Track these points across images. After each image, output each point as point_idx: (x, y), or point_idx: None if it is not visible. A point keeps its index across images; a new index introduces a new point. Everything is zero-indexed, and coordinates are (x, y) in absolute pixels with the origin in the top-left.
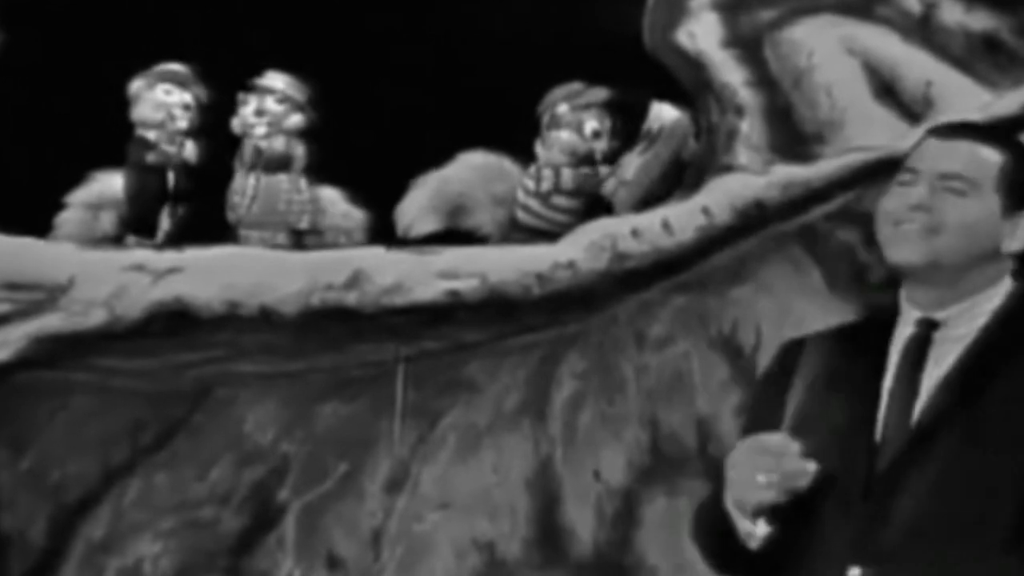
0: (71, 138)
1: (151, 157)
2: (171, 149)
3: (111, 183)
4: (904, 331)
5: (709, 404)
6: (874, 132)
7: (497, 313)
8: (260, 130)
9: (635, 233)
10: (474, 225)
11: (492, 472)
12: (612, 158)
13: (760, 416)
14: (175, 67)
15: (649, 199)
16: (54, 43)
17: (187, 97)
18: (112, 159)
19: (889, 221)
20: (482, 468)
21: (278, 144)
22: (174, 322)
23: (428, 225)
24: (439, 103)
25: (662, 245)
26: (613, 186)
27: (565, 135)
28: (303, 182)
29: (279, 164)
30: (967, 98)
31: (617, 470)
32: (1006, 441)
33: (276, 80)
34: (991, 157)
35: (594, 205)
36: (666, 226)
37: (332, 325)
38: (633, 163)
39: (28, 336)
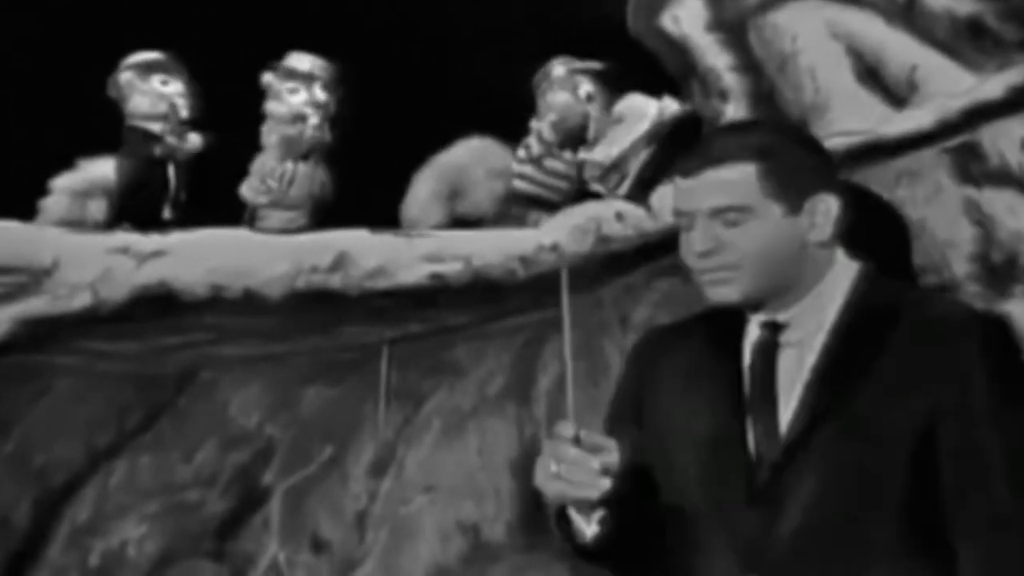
0: (54, 123)
1: (158, 150)
2: (175, 141)
3: (98, 170)
4: (752, 333)
5: None
6: (858, 116)
7: (481, 296)
8: (314, 120)
9: (619, 216)
10: (473, 205)
11: (477, 455)
12: (602, 128)
13: (619, 414)
14: (158, 56)
15: (643, 185)
16: (36, 27)
17: (182, 86)
18: (96, 146)
19: (694, 271)
20: (467, 451)
21: (318, 130)
22: (159, 305)
23: (434, 216)
24: (425, 95)
25: (646, 229)
26: (615, 179)
27: (560, 96)
28: (322, 167)
29: (313, 150)
30: (951, 82)
31: None
32: (881, 439)
33: (316, 65)
34: (745, 174)
35: (574, 183)
36: (650, 210)
37: (317, 308)
38: (635, 157)
39: (12, 319)
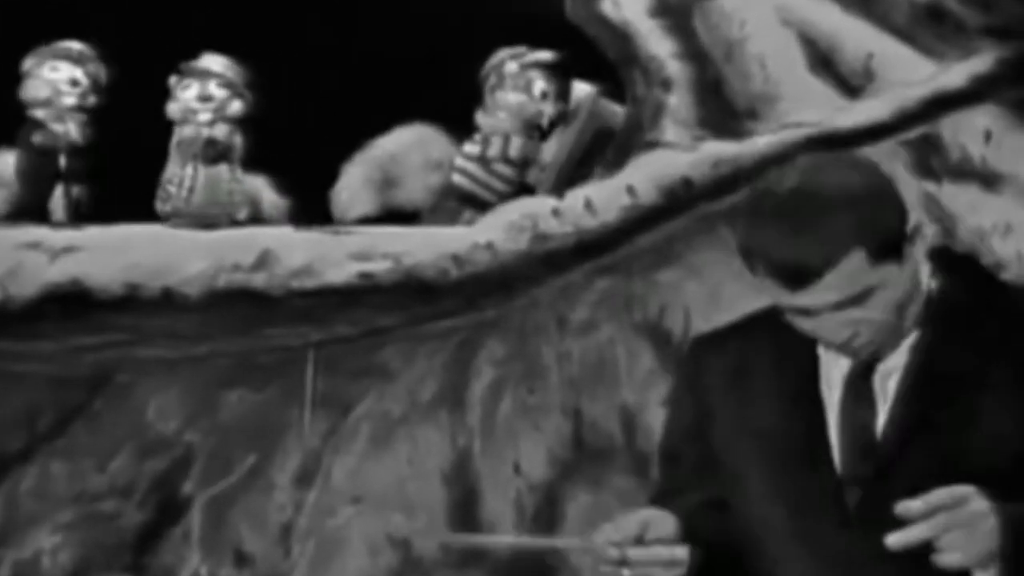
0: None
1: (38, 137)
2: (59, 128)
3: (1, 161)
4: None
5: (635, 393)
6: (810, 107)
7: (412, 297)
8: (204, 117)
9: (556, 213)
10: (406, 196)
11: (407, 464)
12: (556, 123)
13: (684, 432)
14: (71, 44)
15: (569, 181)
16: None
17: (77, 73)
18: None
19: (842, 351)
20: (397, 460)
21: (221, 132)
22: (71, 304)
23: (364, 205)
24: (358, 81)
25: (585, 226)
26: (535, 174)
27: (512, 96)
28: (240, 172)
29: (221, 154)
30: (910, 70)
31: (538, 463)
32: (983, 449)
33: (215, 63)
34: (854, 265)
35: (517, 191)
36: (589, 206)
37: (239, 308)
38: (550, 145)
39: None
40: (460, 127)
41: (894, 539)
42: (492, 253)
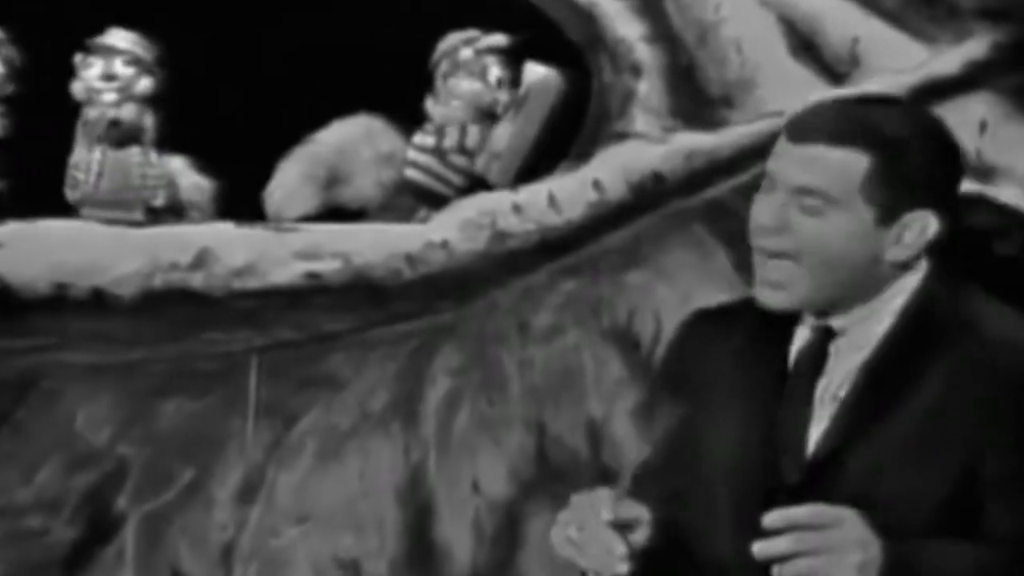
0: None
1: None
2: None
3: None
4: (803, 334)
5: (602, 404)
6: (791, 94)
7: (363, 299)
8: (109, 96)
9: (517, 209)
10: (355, 193)
11: (357, 481)
12: (508, 109)
13: (668, 380)
14: None
15: (526, 171)
16: None
17: None
18: None
19: (755, 246)
20: (346, 476)
21: (128, 112)
22: None
23: (303, 204)
24: (298, 63)
25: (548, 223)
26: (485, 161)
27: (467, 84)
28: (154, 154)
29: (130, 135)
30: (899, 56)
31: (498, 480)
32: (918, 472)
33: (121, 39)
34: (854, 164)
35: (474, 184)
36: (552, 202)
37: (175, 310)
38: (503, 132)
39: None
40: (401, 116)
41: (758, 548)
42: (448, 252)
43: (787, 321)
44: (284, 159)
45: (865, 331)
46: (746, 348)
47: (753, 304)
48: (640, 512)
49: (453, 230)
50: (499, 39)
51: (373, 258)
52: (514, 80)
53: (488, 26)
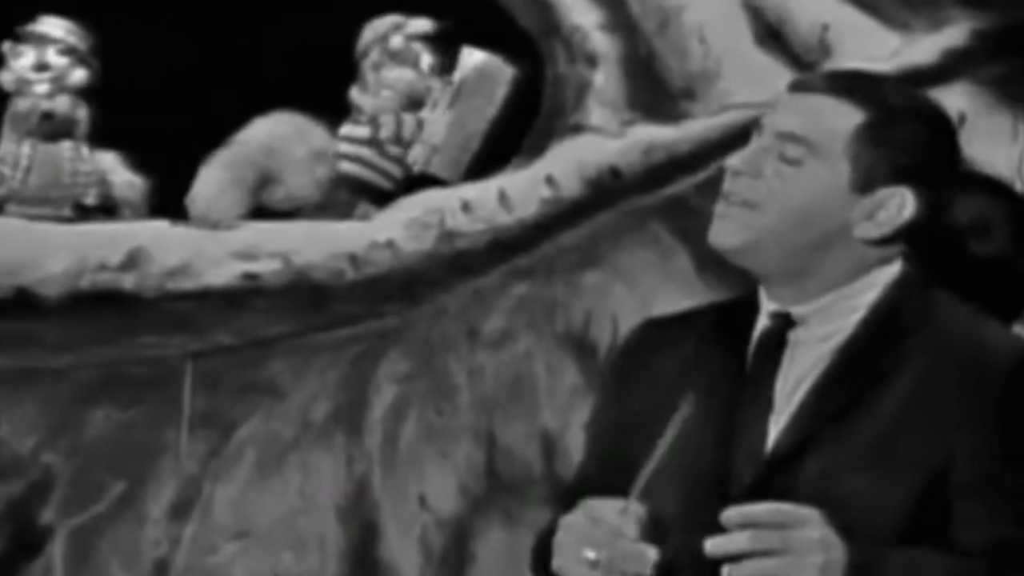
0: None
1: None
2: None
3: None
4: (761, 325)
5: (556, 415)
6: (756, 86)
7: (303, 301)
8: (41, 88)
9: (466, 207)
10: (287, 193)
11: (298, 495)
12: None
13: (604, 430)
14: None
15: (475, 167)
16: None
17: None
18: None
19: (723, 191)
20: (286, 490)
21: (61, 105)
22: None
23: (230, 209)
24: (240, 58)
25: (499, 222)
26: (422, 153)
27: (398, 73)
28: (86, 149)
29: (62, 129)
30: (872, 44)
31: (446, 495)
32: (880, 476)
33: (54, 26)
34: (845, 116)
35: (413, 176)
36: (503, 199)
37: (105, 313)
38: (440, 122)
39: None
40: (322, 108)
41: (711, 544)
42: (393, 252)
43: (744, 323)
44: (206, 162)
45: (829, 323)
46: (699, 352)
47: (706, 312)
48: (629, 524)
49: (399, 229)
50: (428, 24)
51: (314, 258)
52: (448, 66)
53: (435, 14)
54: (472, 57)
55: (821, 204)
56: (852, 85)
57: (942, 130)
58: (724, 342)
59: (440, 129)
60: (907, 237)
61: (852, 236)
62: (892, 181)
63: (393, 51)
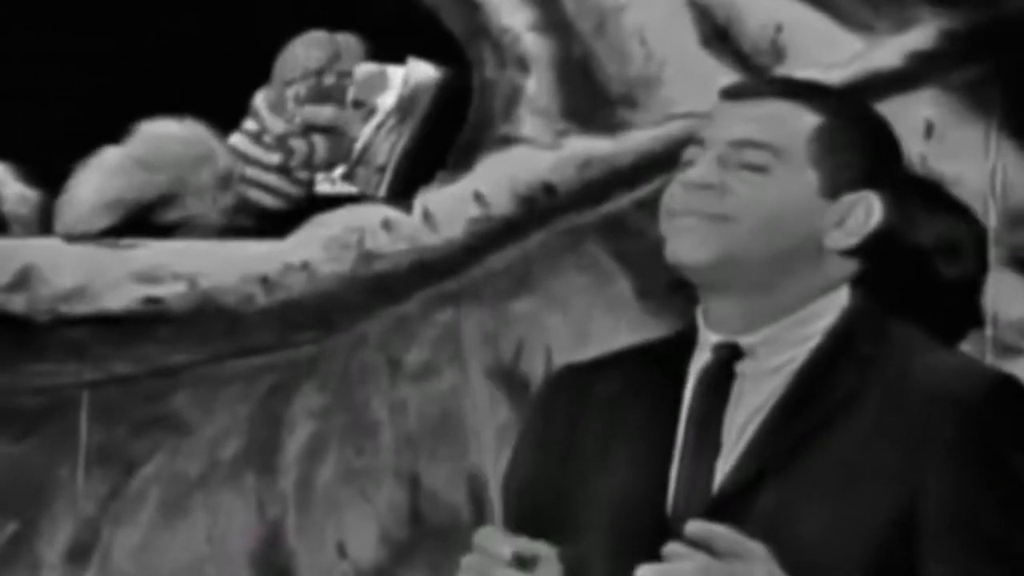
0: None
1: None
2: None
3: None
4: (701, 359)
5: (485, 454)
6: (702, 92)
7: (211, 328)
8: None
9: (387, 226)
10: (186, 214)
11: (205, 541)
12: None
13: (522, 476)
14: None
15: (397, 183)
16: None
17: None
18: None
19: (669, 218)
20: (192, 534)
21: None
22: None
23: (103, 222)
24: (125, 58)
25: (422, 242)
26: (367, 176)
27: (321, 109)
28: None
29: None
30: (829, 47)
31: (366, 542)
32: (837, 516)
33: None
34: (800, 118)
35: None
36: (427, 217)
37: None
38: (384, 142)
39: None
40: (220, 112)
41: (642, 572)
42: (309, 275)
43: (677, 361)
44: (77, 170)
45: (782, 352)
46: (625, 394)
47: (630, 354)
48: (540, 547)
49: (316, 249)
50: (367, 67)
51: (223, 281)
52: (366, 98)
53: (356, 14)
54: (420, 72)
55: (794, 210)
56: (795, 89)
57: (887, 132)
58: (655, 383)
59: (385, 149)
60: (869, 253)
61: (822, 247)
62: (856, 186)
63: (323, 90)
